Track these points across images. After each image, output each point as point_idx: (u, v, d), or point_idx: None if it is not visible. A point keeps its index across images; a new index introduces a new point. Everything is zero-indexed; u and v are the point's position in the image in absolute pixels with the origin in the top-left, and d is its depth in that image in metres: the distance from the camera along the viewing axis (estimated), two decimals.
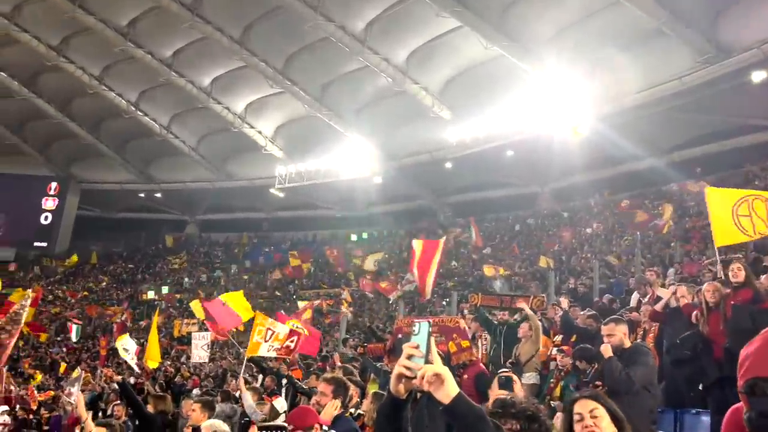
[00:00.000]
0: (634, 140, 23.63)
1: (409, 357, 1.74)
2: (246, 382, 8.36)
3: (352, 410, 5.62)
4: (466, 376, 7.06)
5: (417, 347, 1.74)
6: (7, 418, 14.76)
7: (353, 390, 5.77)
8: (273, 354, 8.77)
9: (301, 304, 21.22)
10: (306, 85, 29.62)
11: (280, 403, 6.75)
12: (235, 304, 15.10)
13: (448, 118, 27.66)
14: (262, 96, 31.76)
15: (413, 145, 29.60)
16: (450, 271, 25.25)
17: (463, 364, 7.14)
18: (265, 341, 8.56)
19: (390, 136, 30.02)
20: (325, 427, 3.70)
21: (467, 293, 20.55)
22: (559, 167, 27.08)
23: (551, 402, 6.61)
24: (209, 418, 5.40)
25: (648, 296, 8.38)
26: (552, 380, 7.05)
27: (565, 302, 8.87)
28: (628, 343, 5.02)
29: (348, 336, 14.42)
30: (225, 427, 4.58)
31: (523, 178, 29.81)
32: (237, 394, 9.40)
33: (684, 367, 6.24)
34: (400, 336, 6.43)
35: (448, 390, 1.72)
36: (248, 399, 7.01)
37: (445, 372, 1.72)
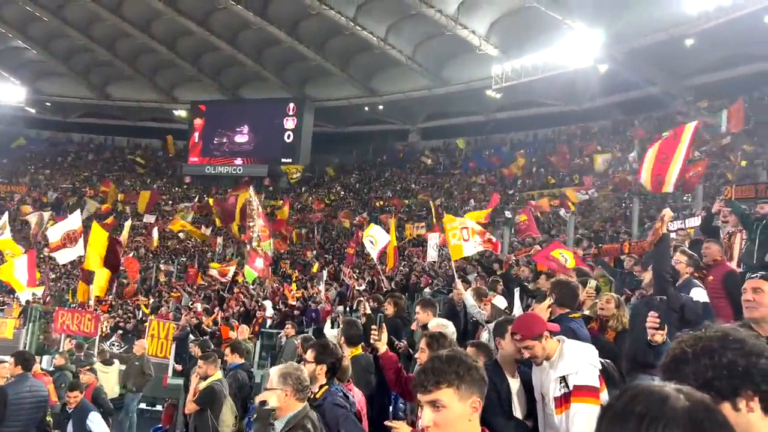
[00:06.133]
0: None
1: None
2: (465, 281, 8.54)
3: (587, 311, 5.45)
4: (711, 278, 6.25)
5: None
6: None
7: None
8: (480, 248, 8.87)
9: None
10: None
11: (500, 301, 6.77)
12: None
13: None
14: None
15: (645, 24, 26.45)
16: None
17: (706, 265, 6.34)
18: (465, 241, 8.63)
19: (616, 18, 27.07)
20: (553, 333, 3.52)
21: (720, 184, 18.53)
22: None
23: None
24: (434, 316, 5.66)
25: None
26: None
27: None
28: None
29: (581, 236, 13.85)
30: (451, 325, 4.77)
31: None
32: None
33: None
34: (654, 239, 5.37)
35: None
36: (469, 299, 7.15)
37: None
